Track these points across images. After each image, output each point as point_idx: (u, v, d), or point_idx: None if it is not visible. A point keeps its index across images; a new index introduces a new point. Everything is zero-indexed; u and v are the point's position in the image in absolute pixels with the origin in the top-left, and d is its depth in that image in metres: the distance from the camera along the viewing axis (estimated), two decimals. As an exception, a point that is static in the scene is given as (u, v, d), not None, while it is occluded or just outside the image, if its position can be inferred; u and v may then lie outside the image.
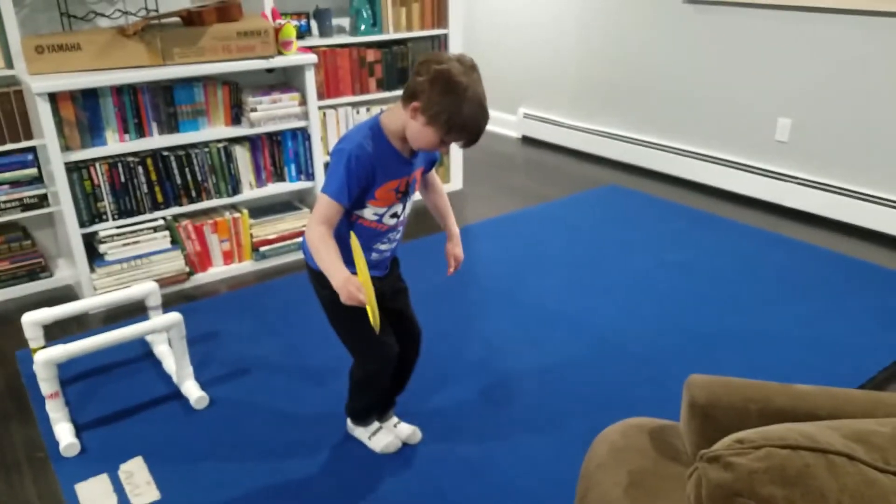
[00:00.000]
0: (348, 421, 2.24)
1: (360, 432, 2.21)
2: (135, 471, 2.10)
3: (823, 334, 2.75)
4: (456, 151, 4.42)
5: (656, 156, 4.70)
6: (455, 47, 4.19)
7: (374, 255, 1.93)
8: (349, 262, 1.69)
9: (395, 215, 1.89)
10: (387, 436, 2.18)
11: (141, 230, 3.11)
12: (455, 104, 1.64)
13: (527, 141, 5.58)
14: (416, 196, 1.97)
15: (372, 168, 1.76)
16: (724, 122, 4.33)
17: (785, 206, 4.07)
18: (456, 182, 4.50)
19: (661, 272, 3.29)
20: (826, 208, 3.88)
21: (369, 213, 1.84)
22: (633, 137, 4.84)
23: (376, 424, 2.20)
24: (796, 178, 4.00)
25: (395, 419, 2.24)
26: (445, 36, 4.16)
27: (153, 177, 3.10)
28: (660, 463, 1.28)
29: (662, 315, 2.92)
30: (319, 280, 1.86)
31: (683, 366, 2.56)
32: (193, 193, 3.23)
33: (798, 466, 0.88)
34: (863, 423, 1.00)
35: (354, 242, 1.66)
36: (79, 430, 2.27)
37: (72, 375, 2.56)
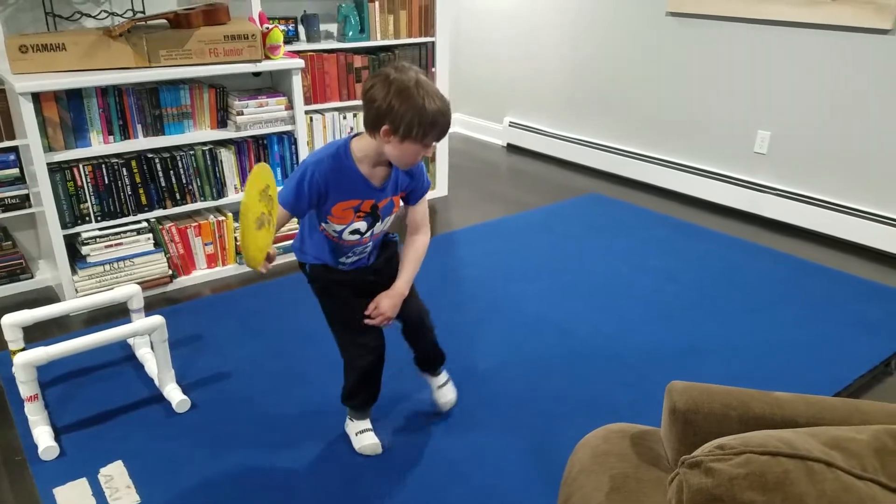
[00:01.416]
0: (442, 380, 2.33)
1: (350, 427, 2.23)
2: (115, 475, 2.08)
3: (801, 342, 2.79)
4: (442, 159, 4.44)
5: (638, 165, 4.75)
6: (442, 55, 4.21)
7: (346, 260, 2.01)
8: (329, 252, 1.94)
9: (356, 232, 1.93)
10: (371, 438, 2.19)
11: (124, 232, 3.09)
12: (417, 107, 1.67)
13: (512, 149, 5.61)
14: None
15: (325, 186, 1.81)
16: (704, 134, 4.38)
17: (763, 216, 4.13)
18: (441, 188, 4.52)
19: (642, 280, 3.32)
20: (804, 219, 3.94)
21: (329, 228, 1.91)
22: (615, 147, 4.89)
23: (366, 424, 2.21)
24: (775, 189, 4.06)
25: (440, 379, 2.34)
26: (432, 44, 4.18)
27: (137, 179, 3.09)
28: (641, 468, 1.29)
29: (643, 322, 2.95)
30: (304, 272, 2.06)
31: (664, 372, 2.59)
32: (178, 196, 3.21)
33: (777, 473, 0.90)
34: (841, 430, 1.02)
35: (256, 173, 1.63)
36: (58, 434, 2.25)
37: (52, 378, 2.53)
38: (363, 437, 2.19)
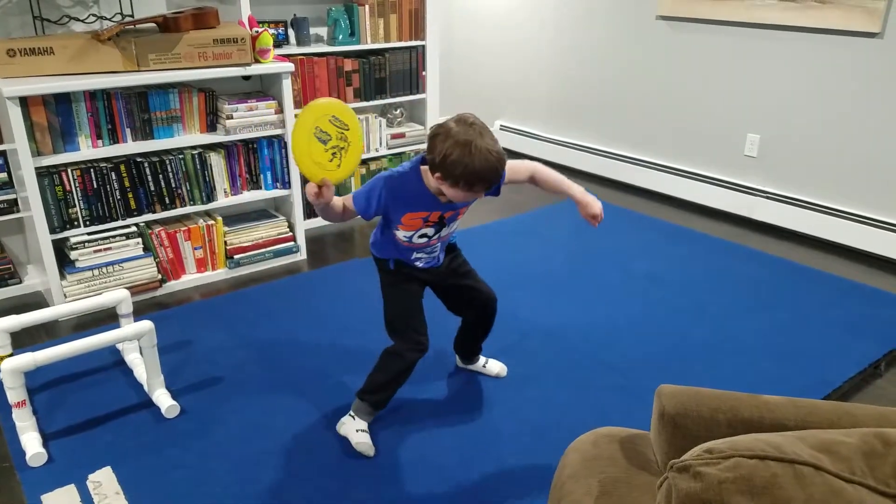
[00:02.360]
0: (346, 417, 2.27)
1: (350, 426, 2.23)
2: (103, 481, 2.07)
3: (790, 345, 2.80)
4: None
5: (628, 169, 4.76)
6: (432, 59, 4.21)
7: (418, 258, 2.16)
8: (403, 252, 2.11)
9: (424, 236, 2.09)
10: (368, 439, 2.20)
11: (113, 237, 3.08)
12: (467, 165, 1.79)
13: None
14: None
15: (393, 200, 1.99)
16: (694, 137, 4.40)
17: (753, 219, 4.14)
18: (431, 192, 4.51)
19: (633, 283, 3.33)
20: (793, 222, 3.96)
21: (399, 233, 2.08)
22: (605, 150, 4.90)
23: (366, 425, 2.24)
24: (764, 192, 4.07)
25: (483, 360, 2.61)
26: (423, 48, 4.18)
27: (126, 183, 3.07)
28: (630, 472, 1.29)
29: (633, 326, 2.95)
30: (378, 265, 2.21)
31: (653, 375, 2.59)
32: (167, 200, 3.20)
33: (766, 476, 0.90)
34: (829, 433, 1.02)
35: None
36: (46, 440, 2.23)
37: (40, 384, 2.52)
38: (363, 436, 2.21)
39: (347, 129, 1.87)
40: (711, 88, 4.24)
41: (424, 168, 1.97)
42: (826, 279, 3.40)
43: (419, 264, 2.18)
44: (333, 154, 1.86)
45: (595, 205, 2.15)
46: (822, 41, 3.67)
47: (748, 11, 3.90)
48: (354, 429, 2.22)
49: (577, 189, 2.18)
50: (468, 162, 1.78)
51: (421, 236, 2.09)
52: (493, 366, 2.61)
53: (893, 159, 3.53)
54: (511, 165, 2.06)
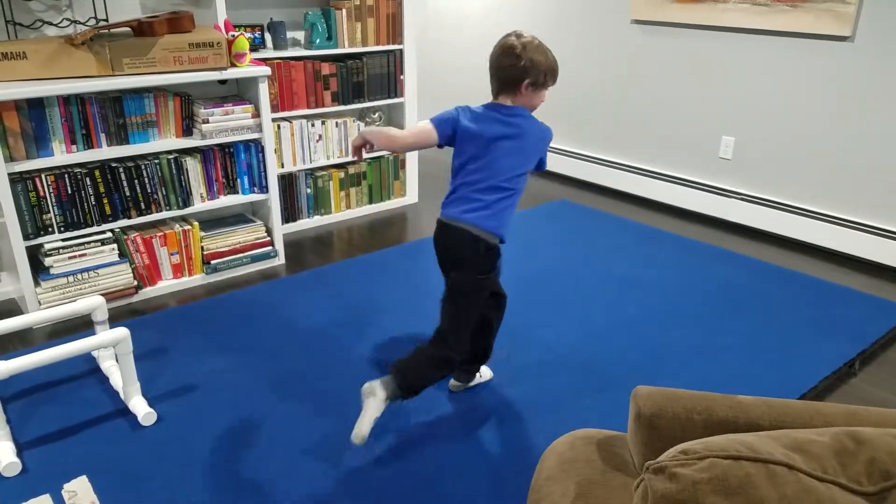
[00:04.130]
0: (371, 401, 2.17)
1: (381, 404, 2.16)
2: (79, 490, 2.04)
3: (766, 345, 2.83)
4: (412, 167, 4.44)
5: (605, 172, 4.79)
6: (410, 63, 4.22)
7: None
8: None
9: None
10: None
11: (88, 243, 3.05)
12: (547, 60, 2.16)
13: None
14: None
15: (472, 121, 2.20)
16: (670, 140, 4.44)
17: (729, 220, 4.19)
18: (412, 195, 4.52)
19: (609, 285, 3.35)
20: (768, 223, 4.01)
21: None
22: (581, 153, 4.93)
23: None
24: (739, 193, 4.12)
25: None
26: (400, 52, 4.18)
27: (101, 188, 3.04)
28: (607, 474, 1.30)
29: (610, 327, 2.97)
30: (488, 252, 2.17)
31: (630, 377, 2.61)
32: (143, 205, 3.17)
33: (740, 476, 0.91)
34: (802, 432, 1.03)
35: None
36: (20, 449, 2.20)
37: (14, 392, 2.48)
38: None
39: None
40: (686, 92, 4.28)
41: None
42: (800, 279, 3.44)
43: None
44: None
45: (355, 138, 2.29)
46: (794, 45, 3.72)
47: (721, 15, 3.95)
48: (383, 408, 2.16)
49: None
50: (549, 60, 2.19)
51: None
52: (487, 371, 2.60)
53: (864, 161, 3.58)
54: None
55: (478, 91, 5.66)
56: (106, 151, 3.06)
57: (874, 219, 3.62)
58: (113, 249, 3.11)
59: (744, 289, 3.33)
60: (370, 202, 4.36)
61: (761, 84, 3.91)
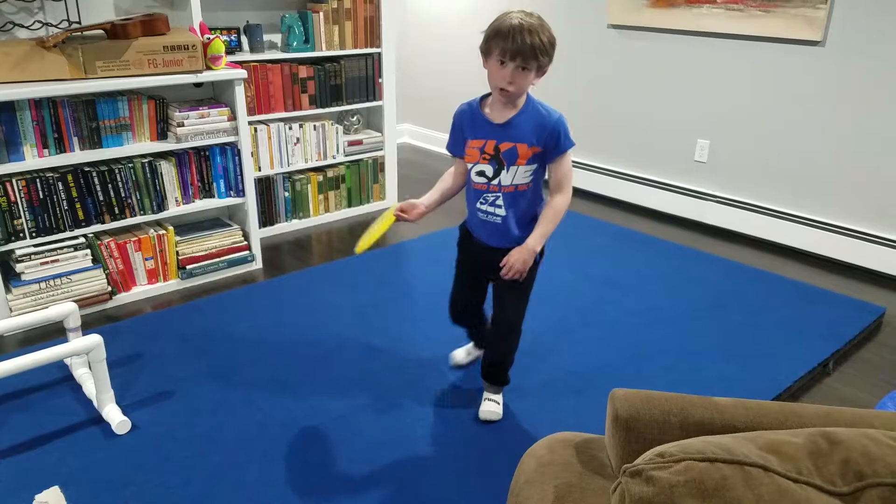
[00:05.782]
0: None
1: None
2: (51, 501, 2.01)
3: (742, 346, 2.85)
4: (391, 169, 4.43)
5: (581, 174, 4.81)
6: (388, 66, 4.21)
7: (479, 215, 2.20)
8: (470, 198, 2.20)
9: (481, 174, 2.12)
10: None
11: (60, 248, 3.00)
12: (495, 24, 2.00)
13: (459, 159, 5.62)
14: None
15: (461, 124, 2.17)
16: (646, 143, 4.47)
17: (705, 223, 4.22)
18: (391, 199, 4.51)
19: (585, 287, 3.36)
20: (742, 225, 4.05)
21: (468, 168, 2.16)
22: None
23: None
24: (715, 196, 4.16)
25: (487, 394, 2.48)
26: (379, 55, 4.17)
27: (74, 193, 3.00)
28: (585, 477, 1.30)
29: (587, 329, 2.98)
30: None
31: (608, 379, 2.62)
32: (116, 210, 3.13)
33: (716, 479, 0.91)
34: (777, 434, 1.04)
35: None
36: (-9, 459, 2.17)
37: (-16, 401, 2.44)
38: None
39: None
40: (662, 95, 4.31)
41: (483, 98, 2.16)
42: (775, 280, 3.47)
43: (480, 216, 2.18)
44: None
45: (514, 267, 2.09)
46: (767, 49, 3.77)
47: (696, 20, 3.99)
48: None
49: (527, 243, 2.11)
50: (498, 22, 1.99)
51: (479, 174, 2.12)
52: (487, 405, 2.43)
53: (835, 163, 3.63)
54: (563, 167, 2.14)
55: (458, 95, 5.66)
56: (79, 155, 3.02)
57: (846, 220, 3.67)
58: (86, 255, 3.06)
59: (720, 290, 3.36)
60: (349, 206, 4.34)
61: (735, 88, 3.95)
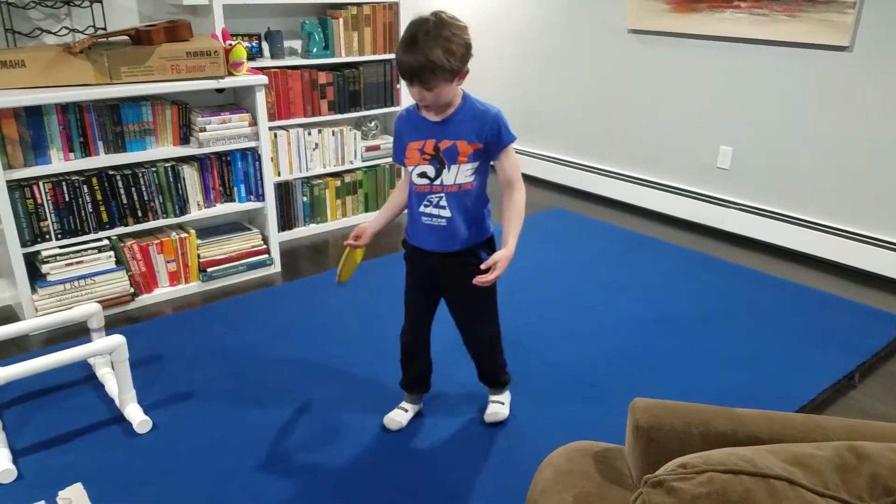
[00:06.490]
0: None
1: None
2: (73, 498, 2.03)
3: (763, 356, 2.82)
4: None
5: (602, 181, 4.79)
6: (407, 71, 4.22)
7: (423, 220, 2.13)
8: (413, 201, 2.14)
9: (423, 175, 2.08)
10: (396, 415, 2.39)
11: (85, 250, 3.04)
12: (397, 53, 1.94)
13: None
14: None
15: (401, 130, 2.12)
16: (668, 149, 4.45)
17: (725, 230, 4.19)
18: (407, 204, 4.51)
19: (601, 295, 3.34)
20: (764, 233, 4.01)
21: (409, 171, 2.11)
22: (580, 163, 4.94)
23: (406, 405, 2.43)
24: (737, 203, 4.13)
25: (491, 396, 2.49)
26: (398, 59, 4.18)
27: (98, 196, 3.04)
28: (604, 487, 1.30)
29: (603, 337, 2.96)
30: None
31: (623, 387, 2.60)
32: (140, 213, 3.17)
33: (739, 491, 0.90)
34: (802, 447, 1.03)
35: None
36: (16, 456, 2.19)
37: (10, 399, 2.47)
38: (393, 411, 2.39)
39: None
40: (684, 101, 4.29)
41: None
42: (797, 289, 3.44)
43: (424, 221, 2.11)
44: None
45: (498, 271, 1.99)
46: (792, 54, 3.74)
47: (718, 24, 3.97)
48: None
49: (509, 246, 2.04)
50: (396, 52, 1.94)
51: (420, 175, 2.07)
52: (491, 407, 2.43)
53: (862, 171, 3.59)
54: (510, 160, 2.10)
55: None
56: (103, 159, 3.06)
57: (871, 229, 3.62)
58: (110, 257, 3.10)
59: (741, 299, 3.33)
60: (366, 210, 4.35)
61: (759, 94, 3.93)
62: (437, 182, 2.06)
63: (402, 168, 2.18)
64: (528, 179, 5.21)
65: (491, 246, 2.20)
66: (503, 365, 2.44)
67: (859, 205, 3.63)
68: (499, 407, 2.42)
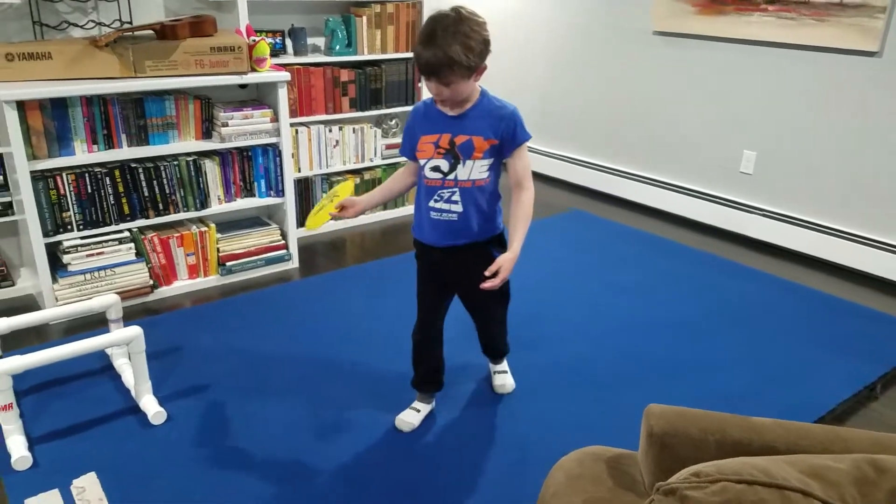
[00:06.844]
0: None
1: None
2: (87, 486, 2.05)
3: (782, 363, 2.79)
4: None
5: (623, 183, 4.76)
6: (430, 70, 4.22)
7: (431, 215, 2.12)
8: (423, 196, 2.12)
9: (436, 169, 2.06)
10: (408, 416, 2.40)
11: (106, 241, 3.07)
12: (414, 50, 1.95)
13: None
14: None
15: (413, 122, 2.11)
16: (690, 153, 4.40)
17: (748, 235, 4.14)
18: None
19: (619, 298, 3.31)
20: (787, 239, 3.96)
21: (421, 165, 2.09)
22: (600, 165, 4.90)
23: (417, 405, 2.43)
24: (760, 209, 4.08)
25: (496, 367, 2.63)
26: (420, 58, 4.18)
27: (120, 188, 3.06)
28: (615, 492, 1.28)
29: (619, 341, 2.93)
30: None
31: (639, 392, 2.58)
32: (161, 206, 3.19)
33: (753, 501, 0.89)
34: (819, 458, 1.01)
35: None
36: (31, 444, 2.21)
37: (28, 387, 2.50)
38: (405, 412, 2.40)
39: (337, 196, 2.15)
40: (708, 104, 4.25)
41: None
42: (819, 297, 3.39)
43: (433, 216, 2.10)
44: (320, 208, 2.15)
45: (503, 273, 1.99)
46: (820, 59, 3.68)
47: (745, 28, 3.92)
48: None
49: (513, 249, 2.03)
50: (415, 47, 1.94)
51: (433, 169, 2.05)
52: (498, 379, 2.58)
53: (888, 180, 3.53)
54: (522, 160, 2.09)
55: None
56: (126, 152, 3.08)
57: (896, 239, 3.57)
58: (130, 249, 3.12)
59: (761, 305, 3.29)
60: (384, 208, 4.35)
61: (785, 98, 3.88)
62: (451, 177, 2.05)
63: (407, 161, 2.20)
64: (549, 180, 5.20)
65: (501, 242, 2.19)
66: (506, 338, 2.57)
67: (885, 213, 3.57)
68: (506, 377, 2.57)
